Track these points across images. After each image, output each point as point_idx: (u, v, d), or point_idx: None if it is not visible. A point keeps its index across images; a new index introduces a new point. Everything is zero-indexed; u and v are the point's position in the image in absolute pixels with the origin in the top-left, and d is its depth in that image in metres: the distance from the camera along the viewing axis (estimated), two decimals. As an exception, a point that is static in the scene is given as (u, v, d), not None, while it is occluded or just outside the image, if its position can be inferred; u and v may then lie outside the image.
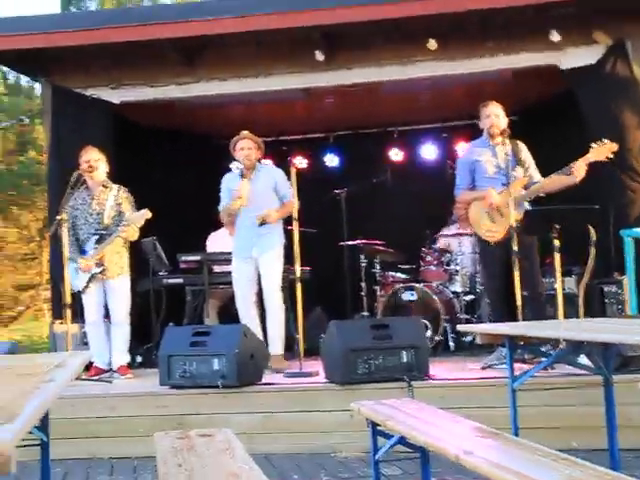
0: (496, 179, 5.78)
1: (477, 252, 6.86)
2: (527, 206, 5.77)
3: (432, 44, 6.68)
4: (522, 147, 5.91)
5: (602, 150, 5.42)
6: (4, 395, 1.57)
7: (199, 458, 2.64)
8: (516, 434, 3.45)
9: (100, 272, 6.34)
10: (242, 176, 6.28)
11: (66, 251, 6.12)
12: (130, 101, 7.49)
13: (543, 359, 4.12)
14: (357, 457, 4.94)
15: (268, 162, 9.60)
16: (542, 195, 5.79)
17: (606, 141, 5.43)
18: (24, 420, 1.24)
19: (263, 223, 6.20)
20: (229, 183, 6.45)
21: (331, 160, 9.94)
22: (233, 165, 7.77)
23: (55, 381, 1.83)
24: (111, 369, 6.47)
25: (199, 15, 6.78)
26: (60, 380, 1.86)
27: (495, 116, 5.81)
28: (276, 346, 6.25)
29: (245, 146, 6.33)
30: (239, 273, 6.39)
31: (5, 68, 13.17)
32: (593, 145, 5.46)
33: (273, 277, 6.26)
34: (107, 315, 6.56)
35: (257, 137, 6.43)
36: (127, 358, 6.54)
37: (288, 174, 6.13)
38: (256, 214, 6.23)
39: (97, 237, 6.38)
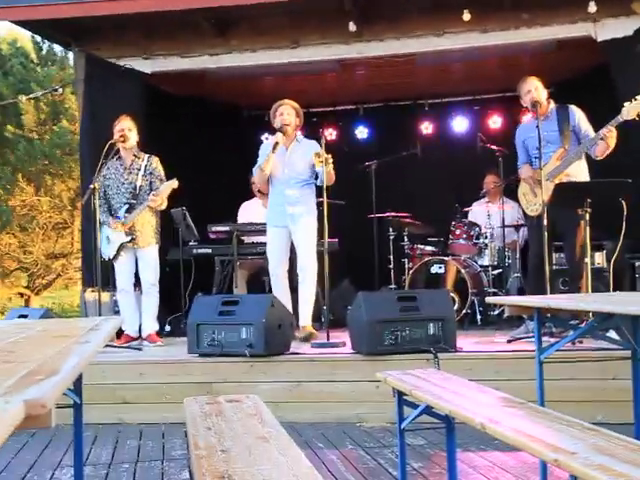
0: (543, 154, 5.76)
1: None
2: (577, 176, 5.73)
3: (466, 15, 6.61)
4: (572, 112, 5.84)
5: (633, 107, 5.33)
6: (42, 354, 1.61)
7: (228, 422, 2.69)
8: (542, 406, 3.46)
9: (129, 241, 6.42)
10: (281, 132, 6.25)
11: (98, 219, 6.20)
12: (162, 71, 7.53)
13: (571, 332, 4.11)
14: (382, 427, 4.98)
15: (298, 133, 9.62)
16: (599, 158, 5.73)
17: (639, 97, 5.33)
18: (63, 376, 1.28)
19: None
20: (267, 148, 6.41)
21: (361, 132, 9.93)
22: (265, 138, 7.76)
23: (90, 342, 1.88)
24: (140, 337, 6.56)
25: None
26: (95, 341, 1.91)
27: (534, 90, 5.78)
28: (307, 316, 6.29)
29: (285, 111, 6.31)
30: (273, 243, 6.41)
31: (38, 38, 13.28)
32: (625, 104, 5.37)
33: (308, 247, 6.24)
34: (137, 284, 6.65)
35: (296, 105, 6.41)
36: (156, 326, 6.63)
37: (319, 145, 6.13)
38: (288, 183, 6.24)
39: (127, 206, 6.45)
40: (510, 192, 7.77)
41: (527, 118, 6.02)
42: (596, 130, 5.65)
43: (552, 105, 5.89)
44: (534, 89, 5.78)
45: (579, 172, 5.78)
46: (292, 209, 6.28)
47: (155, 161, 6.58)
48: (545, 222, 5.44)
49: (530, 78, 5.85)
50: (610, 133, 5.44)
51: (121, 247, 6.43)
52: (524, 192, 6.00)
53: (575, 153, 5.72)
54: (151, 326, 6.57)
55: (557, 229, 5.74)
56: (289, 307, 6.16)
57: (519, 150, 6.11)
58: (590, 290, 5.40)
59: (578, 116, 5.83)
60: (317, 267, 6.28)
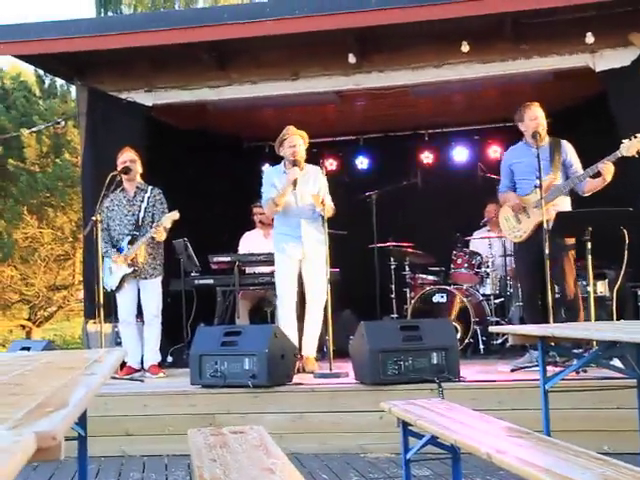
0: (527, 180, 5.79)
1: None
2: (562, 207, 5.73)
3: (465, 47, 6.67)
4: (564, 146, 5.86)
5: (633, 144, 5.36)
6: (49, 386, 1.61)
7: (233, 454, 2.68)
8: (548, 435, 3.44)
9: (132, 272, 6.42)
10: (293, 165, 6.14)
11: (100, 251, 6.21)
12: (164, 104, 7.59)
13: (575, 361, 4.11)
14: (386, 458, 4.96)
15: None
16: (585, 195, 5.75)
17: (638, 135, 5.36)
18: (72, 408, 1.28)
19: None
20: (273, 177, 6.33)
21: (361, 162, 9.97)
22: (265, 168, 7.77)
23: (96, 374, 1.88)
24: (143, 368, 6.54)
25: (232, 18, 6.84)
26: (101, 373, 1.91)
27: (540, 117, 5.81)
28: (311, 347, 6.24)
29: (296, 143, 6.20)
30: (283, 272, 6.30)
31: (41, 71, 13.39)
32: (624, 141, 5.40)
33: (321, 278, 6.08)
34: (139, 315, 6.64)
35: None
36: (158, 357, 6.61)
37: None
38: (300, 216, 6.19)
39: (130, 238, 6.47)
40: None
41: (519, 144, 6.01)
42: (590, 163, 5.68)
43: (547, 137, 5.89)
44: (540, 117, 5.82)
45: (564, 204, 5.78)
46: (306, 240, 6.20)
47: (158, 193, 6.60)
48: (547, 250, 5.43)
49: (535, 105, 5.85)
50: (607, 168, 5.45)
51: (124, 278, 6.44)
52: (506, 217, 5.96)
53: (563, 186, 5.73)
54: (153, 357, 6.56)
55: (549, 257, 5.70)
56: (295, 337, 6.11)
57: (503, 174, 6.07)
58: (593, 319, 5.40)
59: (570, 151, 5.86)
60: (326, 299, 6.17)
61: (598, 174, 5.55)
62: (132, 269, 6.41)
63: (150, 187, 6.60)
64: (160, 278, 6.61)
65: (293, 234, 6.24)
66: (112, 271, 6.45)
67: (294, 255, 6.26)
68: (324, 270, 6.09)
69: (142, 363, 6.58)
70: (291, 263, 6.28)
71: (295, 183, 6.09)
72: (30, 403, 1.31)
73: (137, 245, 6.39)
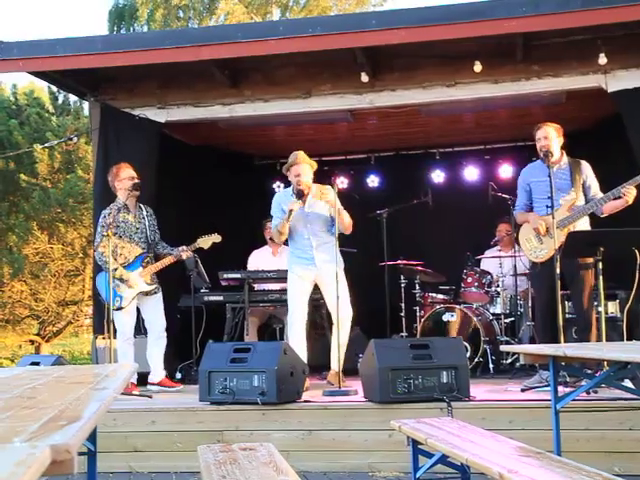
0: (548, 200, 5.79)
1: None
2: (581, 227, 5.74)
3: (477, 66, 6.69)
4: (584, 167, 5.87)
5: None
6: (62, 400, 1.62)
7: (242, 470, 2.67)
8: (558, 456, 3.42)
9: (153, 290, 6.47)
10: (298, 197, 6.23)
11: (110, 267, 6.22)
12: (176, 120, 7.63)
13: (585, 382, 4.09)
14: (395, 477, 4.93)
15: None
16: (604, 216, 5.76)
17: None
18: (85, 422, 1.28)
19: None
20: (281, 202, 6.43)
21: (372, 181, 9.98)
22: (277, 186, 7.81)
23: (108, 389, 1.88)
24: (150, 383, 6.54)
25: (244, 37, 6.88)
26: (113, 388, 1.91)
27: (544, 138, 5.81)
28: (340, 362, 6.16)
29: (301, 172, 6.25)
30: (295, 292, 6.38)
31: (54, 88, 13.49)
32: None
33: (345, 298, 6.24)
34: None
35: (310, 158, 6.38)
36: (164, 372, 6.63)
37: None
38: (312, 238, 6.28)
39: (145, 256, 6.50)
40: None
41: (537, 162, 6.01)
42: (603, 184, 5.68)
43: (565, 157, 5.91)
44: (543, 138, 5.82)
45: (584, 224, 5.80)
46: (321, 262, 6.28)
47: (152, 211, 6.68)
48: (558, 270, 5.43)
49: (544, 126, 5.86)
50: (630, 192, 5.47)
51: (137, 295, 6.46)
52: (527, 237, 5.97)
53: (584, 209, 5.73)
54: (162, 373, 6.56)
55: (564, 277, 5.73)
56: (304, 356, 6.14)
57: (520, 192, 6.09)
58: (604, 339, 5.37)
59: (589, 173, 5.87)
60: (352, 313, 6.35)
61: (619, 196, 5.57)
62: (154, 286, 6.47)
63: (143, 205, 6.65)
64: (161, 294, 6.66)
65: (305, 256, 6.33)
66: (123, 289, 6.43)
67: (306, 277, 6.35)
68: (346, 289, 6.22)
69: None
70: (302, 284, 6.35)
71: (290, 214, 6.15)
72: (43, 416, 1.31)
73: (160, 263, 6.47)
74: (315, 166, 6.44)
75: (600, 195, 5.78)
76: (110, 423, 5.33)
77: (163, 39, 7.24)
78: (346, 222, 6.26)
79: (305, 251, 6.33)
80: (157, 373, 6.57)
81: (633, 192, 5.48)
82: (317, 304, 6.87)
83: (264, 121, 7.91)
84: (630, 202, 5.53)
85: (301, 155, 6.33)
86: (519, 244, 6.19)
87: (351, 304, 6.42)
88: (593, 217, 5.89)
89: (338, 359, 6.00)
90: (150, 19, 19.77)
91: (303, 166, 6.29)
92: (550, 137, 5.80)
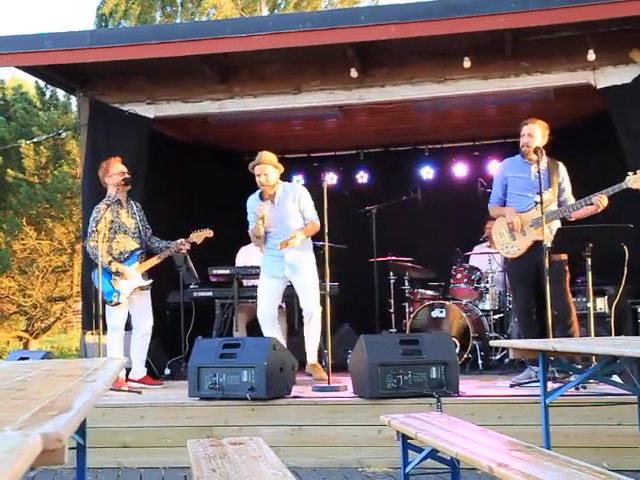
0: (524, 197, 5.78)
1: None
2: (553, 228, 5.73)
3: (467, 62, 6.70)
4: (561, 169, 5.86)
5: (637, 179, 5.37)
6: (52, 391, 1.61)
7: (232, 464, 2.67)
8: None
9: (148, 285, 6.44)
10: (262, 198, 6.38)
11: (100, 262, 6.19)
12: (165, 116, 7.61)
13: (574, 377, 4.10)
14: (384, 472, 4.93)
15: (299, 178, 9.69)
16: (572, 219, 5.76)
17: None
18: (76, 412, 1.27)
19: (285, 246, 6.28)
20: (251, 206, 6.54)
21: (362, 177, 9.98)
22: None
23: (98, 381, 1.87)
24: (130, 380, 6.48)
25: (233, 32, 6.86)
26: (102, 380, 1.90)
27: (528, 135, 5.77)
28: (314, 355, 6.42)
29: (261, 172, 6.34)
30: (265, 291, 6.51)
31: (42, 83, 13.42)
32: (629, 173, 5.42)
33: (312, 295, 6.34)
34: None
35: (273, 155, 6.43)
36: (145, 370, 6.60)
37: (320, 190, 6.18)
38: (282, 237, 6.31)
39: (141, 251, 6.48)
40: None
41: (517, 157, 5.97)
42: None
43: (545, 157, 5.85)
44: (527, 135, 5.79)
45: (555, 224, 5.79)
46: (291, 260, 6.36)
47: (141, 207, 6.65)
48: (547, 266, 5.44)
49: (530, 123, 5.82)
50: (601, 201, 5.46)
51: (135, 290, 6.42)
52: (500, 232, 5.92)
53: (557, 213, 5.72)
54: (144, 369, 6.53)
55: (541, 274, 5.69)
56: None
57: (496, 185, 6.04)
58: (592, 335, 5.39)
59: (566, 176, 5.86)
60: (321, 309, 6.36)
61: (591, 203, 5.57)
62: (150, 281, 6.44)
63: (133, 201, 6.62)
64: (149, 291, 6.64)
65: (277, 255, 6.41)
66: (118, 283, 6.39)
67: (277, 274, 6.45)
68: (314, 286, 6.37)
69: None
70: (274, 282, 6.47)
71: (263, 218, 6.30)
72: (34, 407, 1.30)
73: (156, 258, 6.46)
74: (281, 168, 6.47)
75: (572, 199, 5.78)
76: (99, 418, 5.30)
77: (152, 34, 7.21)
78: (313, 224, 6.38)
79: (275, 248, 6.38)
80: (138, 370, 6.52)
81: (605, 201, 5.48)
82: (291, 302, 6.90)
83: (253, 117, 7.90)
84: (599, 211, 5.54)
85: (265, 155, 6.40)
86: (492, 239, 6.18)
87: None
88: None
89: (322, 351, 6.12)
90: (137, 18, 19.58)
91: (265, 166, 6.35)
92: (535, 135, 5.76)
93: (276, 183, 6.40)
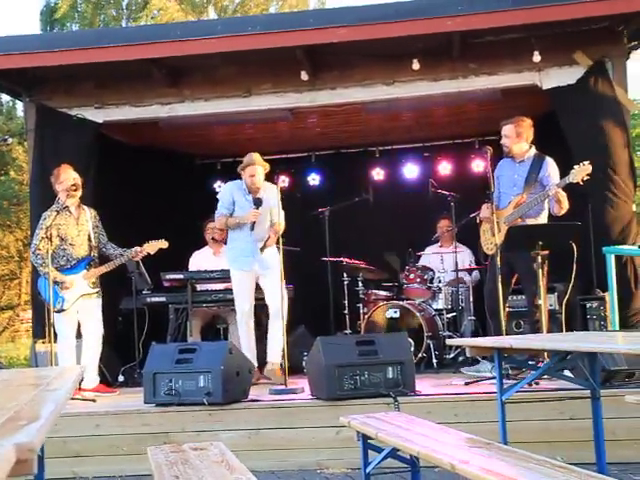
0: (506, 194, 6.02)
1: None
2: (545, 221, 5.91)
3: (415, 64, 6.77)
4: (546, 165, 5.95)
5: (580, 171, 5.50)
6: (16, 401, 1.58)
7: (195, 470, 2.66)
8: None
9: (96, 293, 6.37)
10: (257, 206, 6.46)
11: (50, 270, 6.08)
12: (114, 120, 7.51)
13: (528, 373, 4.17)
14: (344, 473, 4.95)
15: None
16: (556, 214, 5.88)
17: (585, 163, 5.51)
18: (45, 421, 1.26)
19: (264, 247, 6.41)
20: (234, 192, 6.59)
21: (313, 179, 9.99)
22: (218, 186, 7.83)
23: (61, 389, 1.85)
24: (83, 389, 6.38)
25: (183, 35, 6.83)
26: (65, 389, 1.88)
27: (504, 136, 6.02)
28: (278, 353, 6.41)
29: (255, 173, 6.47)
30: (242, 285, 6.57)
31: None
32: (575, 167, 5.54)
33: (279, 290, 6.31)
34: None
35: (260, 156, 6.57)
36: (98, 378, 6.51)
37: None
38: (260, 235, 6.43)
39: (90, 259, 6.41)
40: (463, 236, 7.90)
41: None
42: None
43: (531, 152, 6.00)
44: (504, 135, 6.02)
45: (542, 220, 5.92)
46: (264, 255, 6.45)
47: (96, 213, 6.58)
48: (499, 263, 5.56)
49: (504, 125, 6.04)
50: (558, 194, 5.59)
51: (80, 297, 6.33)
52: (485, 229, 6.15)
53: (529, 203, 5.84)
54: (97, 378, 6.45)
55: (516, 272, 5.89)
56: (254, 348, 6.38)
57: (495, 184, 6.20)
58: (545, 331, 5.49)
59: (550, 170, 5.93)
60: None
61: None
62: (96, 290, 6.37)
63: (87, 207, 6.54)
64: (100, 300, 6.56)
65: (251, 249, 6.46)
66: (63, 291, 6.31)
67: (246, 268, 6.52)
68: (280, 284, 6.26)
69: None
70: (247, 276, 6.54)
71: (254, 225, 6.43)
72: (1, 417, 1.29)
73: (107, 266, 6.40)
74: (267, 168, 6.60)
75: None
76: (52, 428, 5.21)
77: (99, 38, 7.14)
78: (282, 224, 6.49)
79: (249, 244, 6.46)
80: (91, 378, 6.42)
81: (561, 194, 5.61)
82: (258, 303, 6.89)
83: (204, 120, 7.85)
84: (564, 204, 5.65)
85: (256, 156, 6.52)
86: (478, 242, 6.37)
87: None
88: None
89: (284, 352, 6.11)
90: (83, 21, 19.27)
91: (257, 167, 6.49)
92: (509, 135, 5.97)
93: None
